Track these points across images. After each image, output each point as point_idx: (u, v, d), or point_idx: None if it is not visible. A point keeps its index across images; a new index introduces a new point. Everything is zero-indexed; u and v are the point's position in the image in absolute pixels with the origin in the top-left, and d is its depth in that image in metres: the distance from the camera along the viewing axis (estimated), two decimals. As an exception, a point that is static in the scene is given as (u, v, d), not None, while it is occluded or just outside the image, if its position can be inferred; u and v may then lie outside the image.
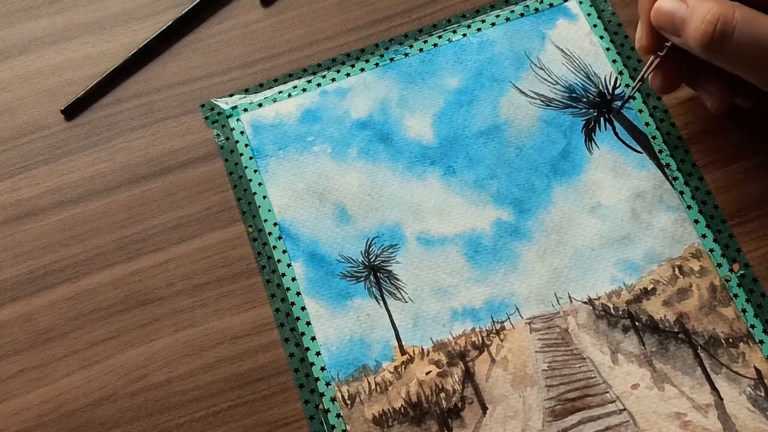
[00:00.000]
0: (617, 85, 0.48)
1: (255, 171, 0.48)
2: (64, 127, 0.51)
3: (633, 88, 0.45)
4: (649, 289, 0.44)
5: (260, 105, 0.50)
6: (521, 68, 0.49)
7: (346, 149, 0.48)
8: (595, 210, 0.46)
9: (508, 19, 0.50)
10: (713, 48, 0.38)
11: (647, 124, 0.47)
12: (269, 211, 0.47)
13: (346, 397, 0.44)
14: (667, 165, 0.46)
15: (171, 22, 0.52)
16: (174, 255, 0.47)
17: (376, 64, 0.50)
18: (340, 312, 0.45)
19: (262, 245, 0.47)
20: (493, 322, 0.44)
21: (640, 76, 0.44)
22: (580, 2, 0.50)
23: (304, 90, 0.50)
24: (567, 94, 0.48)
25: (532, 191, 0.47)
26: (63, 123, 0.51)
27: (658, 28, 0.41)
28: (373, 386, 0.44)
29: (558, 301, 0.44)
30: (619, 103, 0.48)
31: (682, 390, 0.42)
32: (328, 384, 0.44)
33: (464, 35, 0.50)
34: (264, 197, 0.48)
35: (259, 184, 0.48)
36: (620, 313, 0.44)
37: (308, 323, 0.45)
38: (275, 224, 0.47)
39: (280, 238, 0.47)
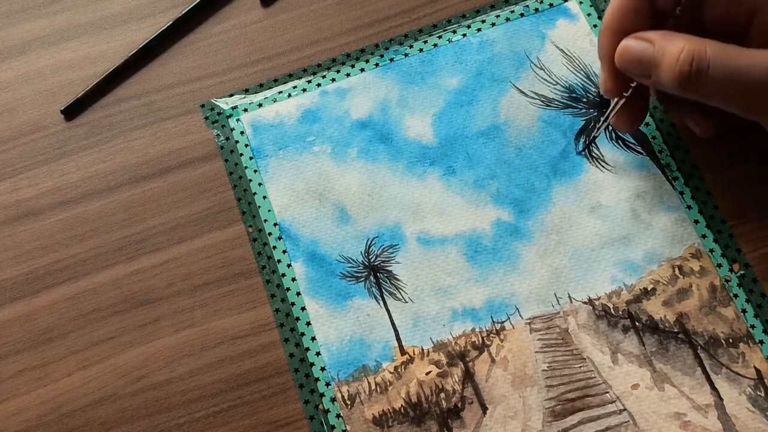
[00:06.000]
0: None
1: (255, 171, 0.48)
2: (64, 127, 0.51)
3: (598, 129, 0.46)
4: (649, 289, 0.44)
5: (260, 105, 0.50)
6: (521, 68, 0.49)
7: (346, 149, 0.48)
8: (595, 210, 0.46)
9: (508, 19, 0.50)
10: (690, 86, 0.38)
11: (647, 124, 0.47)
12: (269, 211, 0.47)
13: (346, 398, 0.44)
14: (667, 165, 0.46)
15: (171, 22, 0.52)
16: (174, 255, 0.47)
17: (376, 64, 0.50)
18: (340, 312, 0.45)
19: (262, 245, 0.47)
20: (493, 322, 0.44)
21: (605, 117, 0.45)
22: (580, 2, 0.50)
23: (304, 90, 0.50)
24: (567, 94, 0.48)
25: (532, 191, 0.47)
26: (63, 123, 0.51)
27: (624, 70, 0.40)
28: (373, 386, 0.44)
29: (558, 301, 0.44)
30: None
31: (682, 390, 0.42)
32: (328, 384, 0.44)
33: (464, 35, 0.50)
34: (264, 197, 0.48)
35: (259, 184, 0.48)
36: (620, 313, 0.44)
37: (308, 323, 0.45)
38: (275, 224, 0.47)
39: (280, 238, 0.47)
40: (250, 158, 0.49)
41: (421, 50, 0.50)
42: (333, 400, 0.44)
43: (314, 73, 0.50)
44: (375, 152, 0.48)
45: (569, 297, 0.44)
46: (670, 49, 0.38)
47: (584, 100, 0.48)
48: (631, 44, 0.39)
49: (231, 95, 0.50)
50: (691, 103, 0.42)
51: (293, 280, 0.46)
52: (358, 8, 0.52)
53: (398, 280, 0.45)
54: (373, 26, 0.51)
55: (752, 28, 0.39)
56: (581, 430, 0.42)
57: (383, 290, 0.45)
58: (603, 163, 0.47)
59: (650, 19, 0.40)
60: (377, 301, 0.45)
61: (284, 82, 0.50)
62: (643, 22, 0.40)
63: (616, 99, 0.43)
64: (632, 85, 0.42)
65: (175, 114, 0.50)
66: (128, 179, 0.49)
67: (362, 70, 0.50)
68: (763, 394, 0.42)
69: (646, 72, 0.39)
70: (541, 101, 0.48)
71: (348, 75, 0.50)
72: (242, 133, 0.49)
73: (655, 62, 0.38)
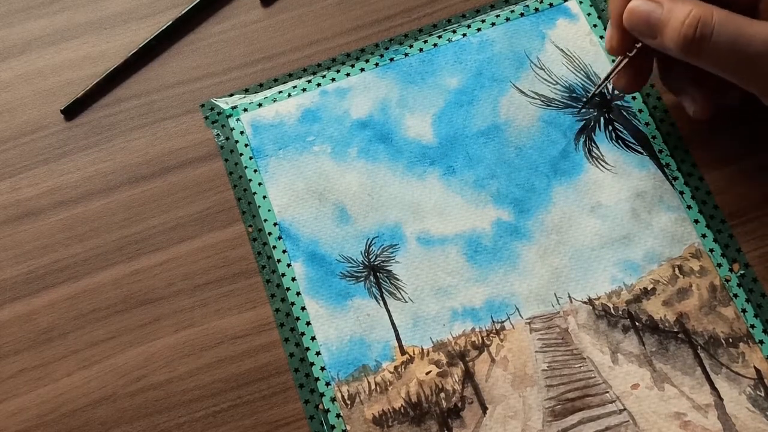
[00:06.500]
0: (617, 85, 0.48)
1: (255, 171, 0.48)
2: (64, 127, 0.51)
3: (599, 87, 0.46)
4: (649, 289, 0.44)
5: (260, 105, 0.50)
6: (521, 68, 0.49)
7: (346, 149, 0.48)
8: (595, 210, 0.46)
9: (508, 19, 0.50)
10: (692, 50, 0.38)
11: (647, 124, 0.47)
12: (269, 211, 0.47)
13: (346, 397, 0.44)
14: (667, 165, 0.46)
15: (171, 22, 0.52)
16: (174, 255, 0.47)
17: (376, 64, 0.50)
18: (340, 312, 0.45)
19: (262, 245, 0.47)
20: (493, 322, 0.44)
21: (606, 75, 0.45)
22: (580, 2, 0.50)
23: (304, 90, 0.50)
24: (567, 94, 0.48)
25: (532, 191, 0.47)
26: (63, 123, 0.51)
27: (631, 30, 0.41)
28: (373, 386, 0.44)
29: (558, 301, 0.44)
30: (619, 102, 0.48)
31: (682, 390, 0.42)
32: (328, 384, 0.44)
33: (464, 35, 0.50)
34: (264, 197, 0.48)
35: (259, 184, 0.48)
36: (620, 313, 0.44)
37: (308, 323, 0.45)
38: (275, 224, 0.47)
39: (280, 238, 0.47)
40: (250, 158, 0.49)
41: (421, 50, 0.50)
42: (333, 399, 0.44)
43: (314, 73, 0.50)
44: (375, 152, 0.48)
45: (569, 297, 0.44)
46: (677, 12, 0.38)
47: (584, 99, 0.48)
48: (640, 4, 0.40)
49: (231, 95, 0.50)
50: (689, 80, 0.43)
51: (293, 279, 0.46)
52: (358, 8, 0.52)
53: (398, 279, 0.45)
54: (373, 26, 0.51)
55: (762, 1, 0.39)
56: (581, 429, 0.42)
57: (383, 290, 0.45)
58: (603, 163, 0.47)
59: None
60: (377, 300, 0.45)
61: (284, 82, 0.50)
62: None
63: (619, 58, 0.44)
64: (637, 45, 0.42)
65: (175, 114, 0.50)
66: (128, 179, 0.49)
67: (362, 69, 0.50)
68: (763, 394, 0.42)
69: (653, 33, 0.39)
70: (541, 101, 0.48)
71: (348, 75, 0.50)
72: (242, 132, 0.49)
73: (662, 24, 0.39)
